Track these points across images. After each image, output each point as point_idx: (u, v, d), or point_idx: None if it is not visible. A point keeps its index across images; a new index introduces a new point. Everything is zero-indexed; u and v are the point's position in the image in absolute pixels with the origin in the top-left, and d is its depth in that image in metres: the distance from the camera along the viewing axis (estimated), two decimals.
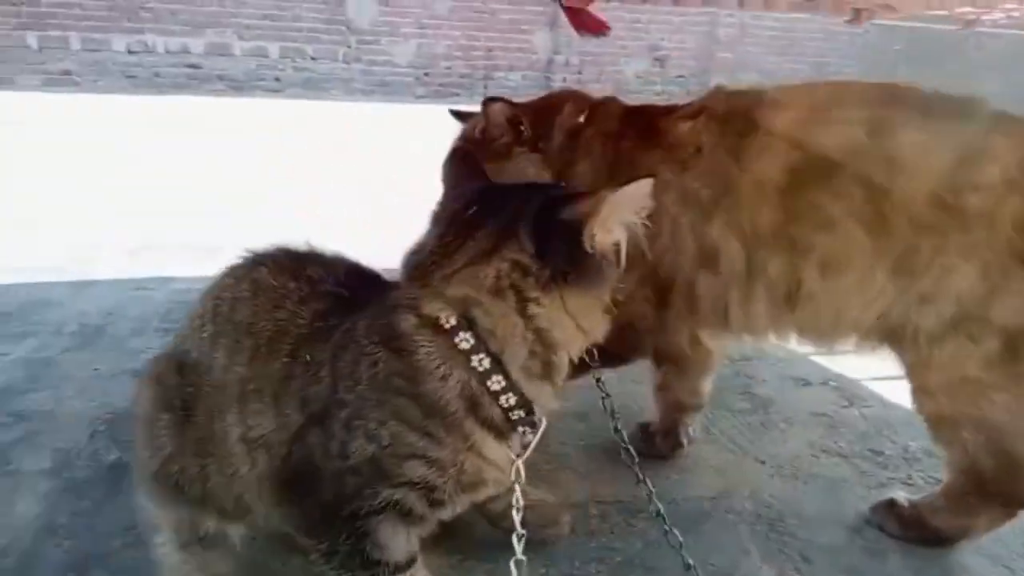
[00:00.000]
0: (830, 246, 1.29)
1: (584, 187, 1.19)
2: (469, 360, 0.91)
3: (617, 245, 0.96)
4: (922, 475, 1.61)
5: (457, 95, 13.28)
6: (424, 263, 0.95)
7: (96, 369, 1.92)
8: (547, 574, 1.25)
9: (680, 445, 1.62)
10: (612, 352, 1.26)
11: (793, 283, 1.33)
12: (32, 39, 10.64)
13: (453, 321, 0.92)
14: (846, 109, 1.30)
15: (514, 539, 0.98)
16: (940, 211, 1.21)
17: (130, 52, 10.96)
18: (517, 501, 1.00)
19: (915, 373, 1.30)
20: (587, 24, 2.50)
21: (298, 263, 1.09)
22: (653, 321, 1.46)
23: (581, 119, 1.50)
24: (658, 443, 1.62)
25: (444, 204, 1.04)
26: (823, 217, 1.28)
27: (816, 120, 1.30)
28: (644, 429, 1.64)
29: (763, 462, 1.63)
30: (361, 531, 0.96)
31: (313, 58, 13.15)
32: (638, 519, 1.41)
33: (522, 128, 1.50)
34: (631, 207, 0.95)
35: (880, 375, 2.10)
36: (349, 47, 12.82)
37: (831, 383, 2.05)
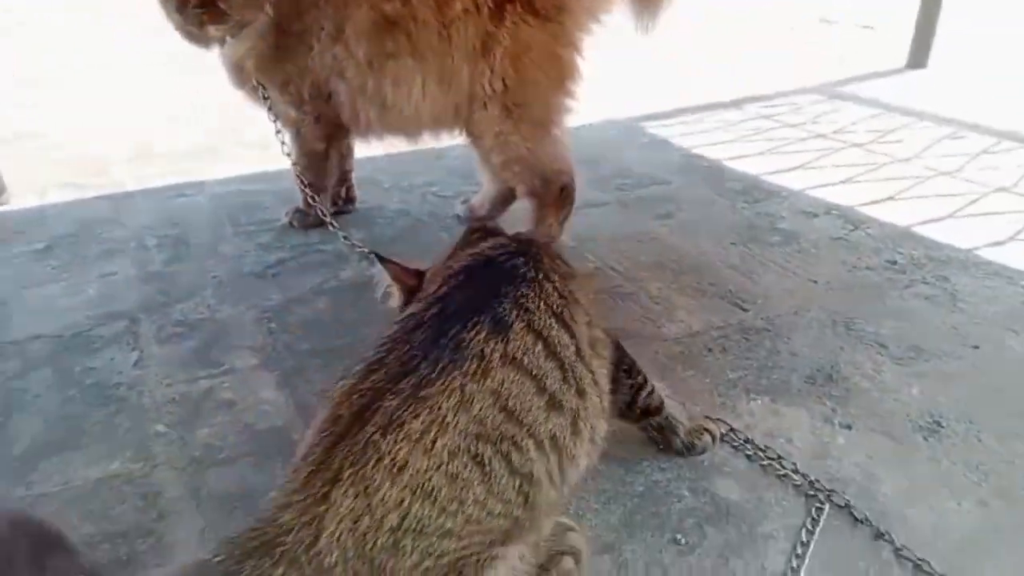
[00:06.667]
0: (395, 70, 1.95)
1: None
2: None
3: None
4: (932, 275, 2.08)
5: None
6: None
7: (215, 276, 2.06)
8: (712, 382, 1.63)
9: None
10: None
11: (382, 96, 2.00)
12: None
13: None
14: None
15: None
16: (444, 40, 1.92)
17: None
18: None
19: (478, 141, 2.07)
20: None
21: None
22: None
23: None
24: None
25: None
26: (389, 51, 1.94)
27: None
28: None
29: (815, 281, 2.05)
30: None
31: None
32: (751, 335, 1.80)
33: None
34: None
35: (867, 201, 2.56)
36: None
37: (833, 212, 2.48)
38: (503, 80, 1.97)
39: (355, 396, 0.90)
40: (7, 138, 2.62)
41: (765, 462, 1.38)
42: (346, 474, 0.82)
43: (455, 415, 0.87)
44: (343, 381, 0.94)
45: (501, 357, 0.92)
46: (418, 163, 2.90)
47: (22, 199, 2.60)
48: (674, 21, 2.10)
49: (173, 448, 1.43)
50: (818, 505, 1.29)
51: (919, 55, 4.32)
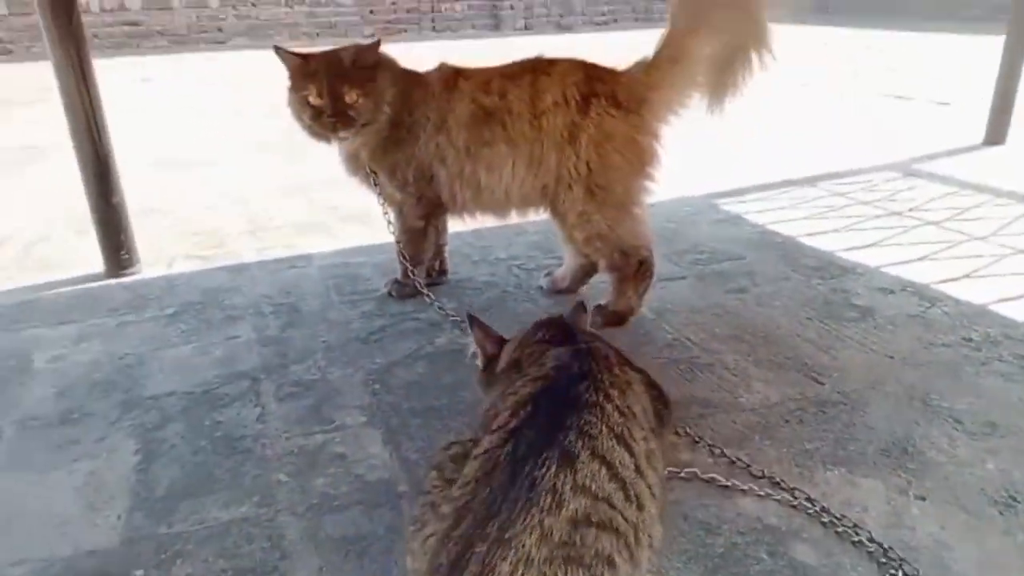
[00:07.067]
0: (490, 156, 2.20)
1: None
2: None
3: None
4: (1009, 353, 2.12)
5: (404, 31, 13.22)
6: None
7: (324, 341, 2.27)
8: (788, 452, 1.71)
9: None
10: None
11: (478, 178, 2.25)
12: None
13: None
14: (494, 83, 2.21)
15: None
16: (535, 129, 2.16)
17: None
18: None
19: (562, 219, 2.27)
20: None
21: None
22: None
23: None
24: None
25: None
26: (485, 139, 2.20)
27: (480, 89, 2.21)
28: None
29: (891, 357, 2.12)
30: None
31: (254, 4, 12.86)
32: (827, 408, 1.88)
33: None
34: None
35: (943, 278, 2.62)
36: None
37: (908, 289, 2.54)
38: (587, 164, 2.16)
39: (450, 544, 1.03)
40: (138, 213, 2.93)
41: (840, 529, 1.46)
42: None
43: (538, 549, 0.98)
44: (439, 524, 1.08)
45: (572, 488, 1.03)
46: (501, 238, 3.10)
47: (152, 269, 2.89)
48: (746, 102, 2.25)
49: (294, 495, 1.60)
50: (891, 573, 1.35)
51: (996, 131, 4.35)
